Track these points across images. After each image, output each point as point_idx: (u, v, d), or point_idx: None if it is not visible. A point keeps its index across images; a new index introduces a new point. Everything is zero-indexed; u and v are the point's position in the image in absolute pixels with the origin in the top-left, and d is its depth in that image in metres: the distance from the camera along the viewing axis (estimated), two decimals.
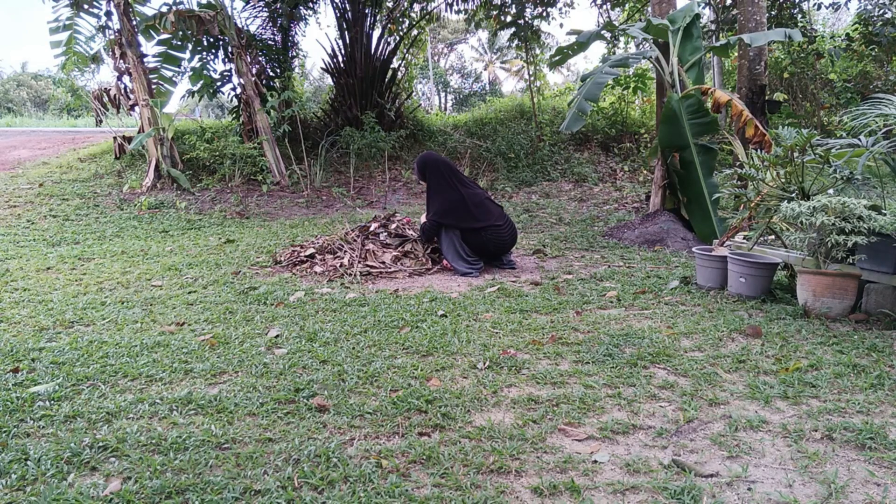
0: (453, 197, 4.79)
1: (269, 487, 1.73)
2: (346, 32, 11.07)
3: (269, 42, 11.17)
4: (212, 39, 9.86)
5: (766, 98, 7.51)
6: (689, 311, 3.56)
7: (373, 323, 3.35)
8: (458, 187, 4.84)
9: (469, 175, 9.57)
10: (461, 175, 4.99)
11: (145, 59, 9.16)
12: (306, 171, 9.49)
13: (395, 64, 11.95)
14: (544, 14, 11.20)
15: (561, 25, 39.76)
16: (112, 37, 9.14)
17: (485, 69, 42.89)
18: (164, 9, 9.22)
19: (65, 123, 21.03)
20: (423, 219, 5.06)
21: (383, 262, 4.81)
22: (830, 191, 3.69)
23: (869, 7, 9.69)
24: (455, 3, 11.93)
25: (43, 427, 2.12)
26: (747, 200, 4.29)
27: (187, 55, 9.82)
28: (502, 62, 40.97)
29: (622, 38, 11.50)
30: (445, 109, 33.22)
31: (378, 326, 3.29)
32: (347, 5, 10.98)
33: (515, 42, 11.60)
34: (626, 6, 12.30)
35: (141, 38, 9.13)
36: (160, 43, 9.46)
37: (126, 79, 9.16)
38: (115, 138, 9.25)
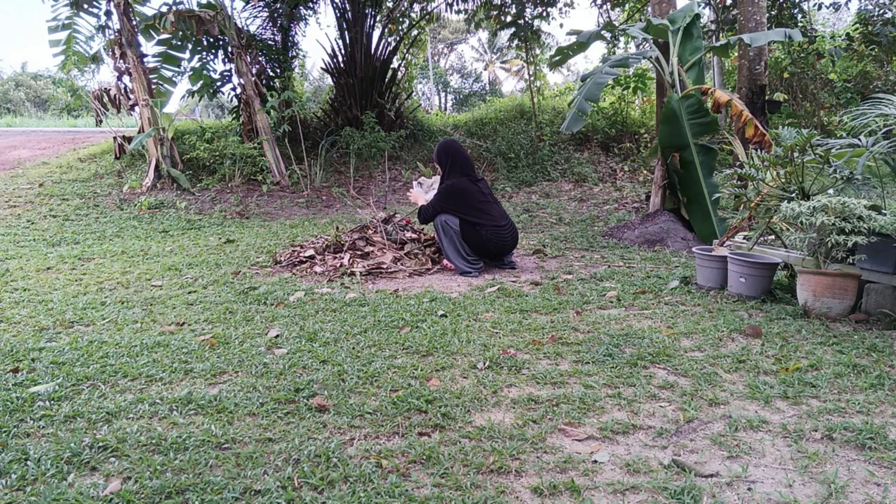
0: (460, 184, 4.82)
1: (269, 487, 1.73)
2: (346, 32, 11.07)
3: (269, 42, 11.18)
4: (212, 39, 9.86)
5: (766, 98, 7.52)
6: (689, 311, 3.56)
7: (373, 323, 3.35)
8: (468, 179, 4.85)
9: None
10: (474, 171, 5.01)
11: (145, 59, 9.16)
12: (306, 171, 9.49)
13: (395, 64, 11.96)
14: (544, 14, 11.20)
15: (561, 25, 39.82)
16: (112, 37, 9.13)
17: (485, 69, 42.91)
18: (164, 9, 9.22)
19: (65, 123, 21.03)
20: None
21: (383, 262, 4.81)
22: (830, 191, 3.69)
23: (869, 7, 9.69)
24: (455, 3, 11.94)
25: (43, 427, 2.12)
26: (747, 200, 4.29)
27: (187, 55, 9.82)
28: (502, 62, 40.97)
29: (622, 38, 11.50)
30: (445, 109, 33.21)
31: (378, 326, 3.29)
32: (347, 5, 10.98)
33: (515, 42, 11.61)
34: (626, 6, 12.30)
35: (141, 38, 9.13)
36: (160, 43, 9.46)
37: (126, 79, 9.16)
38: (115, 138, 9.25)
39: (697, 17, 6.37)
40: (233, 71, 10.06)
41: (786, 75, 10.47)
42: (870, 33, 9.20)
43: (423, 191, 5.28)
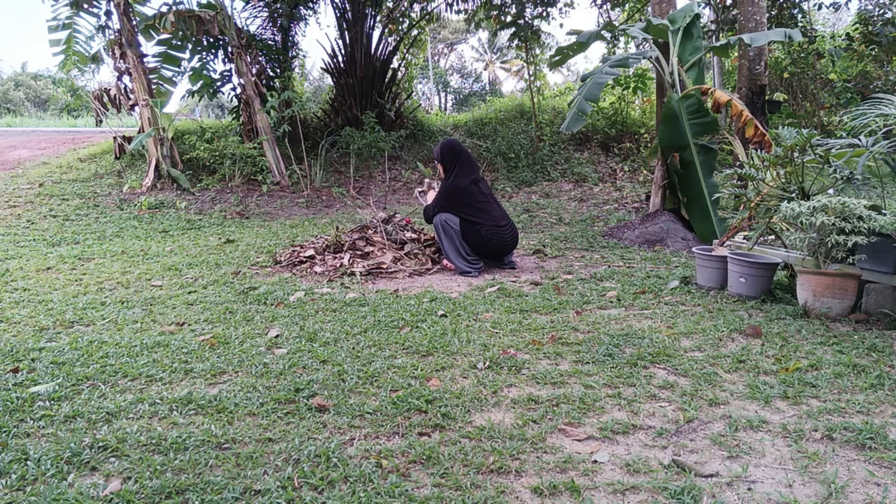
0: (460, 184, 4.82)
1: (269, 487, 1.73)
2: (346, 32, 11.07)
3: (269, 42, 11.18)
4: (212, 39, 9.86)
5: (766, 98, 7.52)
6: (689, 311, 3.56)
7: (373, 323, 3.35)
8: (469, 179, 4.86)
9: None
10: (477, 171, 5.01)
11: (145, 59, 9.16)
12: (306, 171, 9.49)
13: (395, 64, 11.96)
14: (544, 14, 11.20)
15: (561, 25, 39.81)
16: (112, 37, 9.14)
17: (485, 69, 42.90)
18: (164, 9, 9.22)
19: (65, 123, 21.03)
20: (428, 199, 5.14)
21: (383, 262, 4.81)
22: (830, 191, 3.69)
23: (869, 7, 9.70)
24: (455, 3, 11.94)
25: (43, 427, 2.12)
26: (747, 200, 4.29)
27: (187, 55, 9.82)
28: (502, 62, 40.96)
29: (622, 38, 11.50)
30: (445, 109, 33.22)
31: (378, 326, 3.29)
32: (347, 5, 10.98)
33: (515, 42, 11.61)
34: (626, 6, 12.30)
35: (141, 38, 9.13)
36: (160, 43, 9.46)
37: (126, 79, 9.16)
38: (115, 138, 9.25)
39: (697, 17, 6.37)
40: (233, 71, 10.06)
41: (786, 75, 10.47)
42: (870, 33, 9.20)
43: (424, 198, 5.37)
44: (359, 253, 4.96)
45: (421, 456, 1.91)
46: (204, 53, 10.04)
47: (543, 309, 3.63)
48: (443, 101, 39.54)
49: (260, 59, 10.23)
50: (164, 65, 9.62)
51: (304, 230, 6.73)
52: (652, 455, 1.93)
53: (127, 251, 5.67)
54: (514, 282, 4.44)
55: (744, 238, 4.36)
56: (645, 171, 9.84)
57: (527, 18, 11.13)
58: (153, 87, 9.21)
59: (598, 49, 42.55)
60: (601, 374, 2.58)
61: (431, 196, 5.17)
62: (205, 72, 10.11)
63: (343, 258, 4.86)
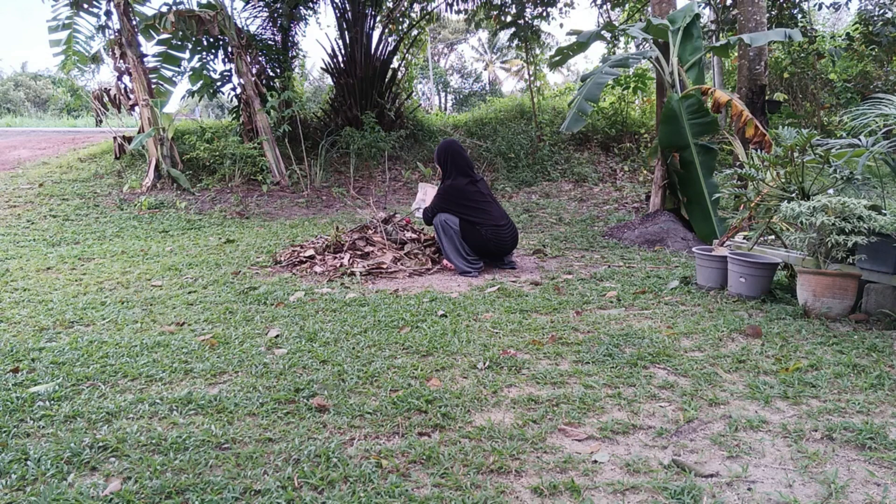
0: (458, 184, 4.83)
1: (269, 487, 1.73)
2: (346, 32, 11.07)
3: (269, 42, 11.18)
4: (212, 39, 9.86)
5: (766, 98, 7.51)
6: (689, 311, 3.56)
7: (373, 323, 3.35)
8: (467, 179, 4.86)
9: None
10: (474, 171, 5.01)
11: (145, 59, 9.16)
12: (306, 171, 9.49)
13: (395, 64, 11.96)
14: (544, 14, 11.20)
15: (561, 25, 39.80)
16: (112, 37, 9.13)
17: (485, 69, 42.90)
18: (164, 9, 9.22)
19: (65, 123, 21.03)
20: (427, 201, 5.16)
21: (383, 262, 4.81)
22: (830, 191, 3.69)
23: (869, 7, 9.70)
24: (455, 3, 11.93)
25: (43, 427, 2.12)
26: (747, 200, 4.29)
27: (187, 55, 9.82)
28: (502, 62, 40.96)
29: (622, 38, 11.50)
30: (445, 109, 33.20)
31: (378, 326, 3.29)
32: (347, 5, 10.98)
33: (515, 42, 11.61)
34: (626, 6, 12.30)
35: (141, 38, 9.13)
36: (160, 43, 9.46)
37: (126, 79, 9.16)
38: (115, 138, 9.25)
39: (697, 17, 6.37)
40: (233, 71, 10.06)
41: (786, 75, 10.46)
42: (870, 33, 9.20)
43: (422, 197, 5.38)
44: (359, 253, 4.96)
45: (421, 456, 1.91)
46: (204, 53, 10.04)
47: (543, 309, 3.63)
48: (443, 101, 39.53)
49: (260, 59, 10.22)
50: (164, 65, 9.62)
51: (304, 230, 6.73)
52: (652, 455, 1.93)
53: (127, 251, 5.67)
54: (514, 282, 4.44)
55: (744, 238, 4.36)
56: (645, 171, 9.84)
57: (527, 18, 11.12)
58: (153, 87, 9.21)
59: (598, 49, 42.54)
60: (601, 374, 2.58)
61: (430, 198, 5.19)
62: (205, 72, 10.10)
63: (343, 258, 4.86)
